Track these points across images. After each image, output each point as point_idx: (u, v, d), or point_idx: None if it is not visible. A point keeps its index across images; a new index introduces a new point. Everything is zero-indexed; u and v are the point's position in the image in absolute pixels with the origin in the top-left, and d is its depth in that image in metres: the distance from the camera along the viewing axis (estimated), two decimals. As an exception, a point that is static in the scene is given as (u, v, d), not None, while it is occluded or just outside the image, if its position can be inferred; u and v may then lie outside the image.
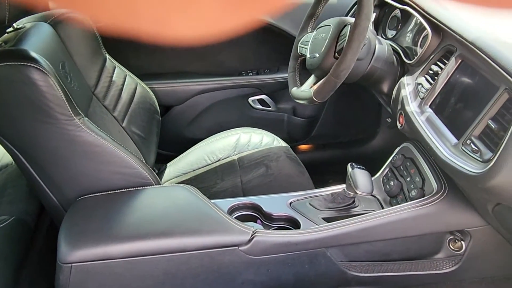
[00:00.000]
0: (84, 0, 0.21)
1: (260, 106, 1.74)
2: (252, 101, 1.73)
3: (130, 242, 0.90)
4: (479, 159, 0.82)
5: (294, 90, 1.28)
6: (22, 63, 0.86)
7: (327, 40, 1.17)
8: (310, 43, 1.26)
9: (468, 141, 0.86)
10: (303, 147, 1.85)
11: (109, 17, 0.20)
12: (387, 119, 1.54)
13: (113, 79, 1.37)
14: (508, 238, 0.92)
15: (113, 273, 0.90)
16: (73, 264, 0.88)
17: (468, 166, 0.83)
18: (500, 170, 0.74)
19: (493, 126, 0.82)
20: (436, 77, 1.03)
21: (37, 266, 1.14)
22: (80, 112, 0.94)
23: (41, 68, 0.87)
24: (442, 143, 0.93)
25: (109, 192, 1.00)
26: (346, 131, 1.84)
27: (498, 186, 0.75)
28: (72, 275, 0.88)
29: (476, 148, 0.84)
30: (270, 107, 1.75)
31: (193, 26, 0.21)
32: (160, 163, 1.50)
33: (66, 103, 0.90)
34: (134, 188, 1.01)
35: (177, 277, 0.94)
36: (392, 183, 1.09)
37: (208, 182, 1.33)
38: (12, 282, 1.08)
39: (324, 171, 1.72)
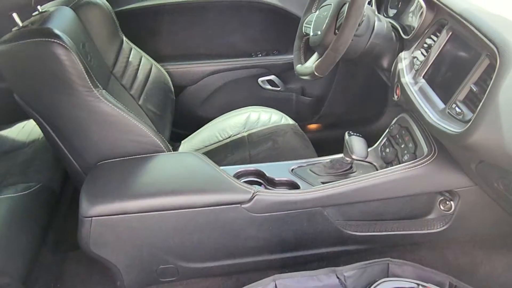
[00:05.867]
0: None
1: (269, 86, 1.80)
2: (262, 81, 1.79)
3: (144, 199, 0.99)
4: (461, 120, 0.88)
5: (298, 67, 1.34)
6: (47, 39, 0.95)
7: (327, 18, 1.23)
8: (313, 22, 1.33)
9: (454, 105, 0.92)
10: (311, 126, 1.91)
11: None
12: (393, 98, 1.58)
13: (130, 59, 1.46)
14: (494, 198, 0.97)
15: (128, 226, 1.00)
16: (93, 218, 0.98)
17: (451, 127, 0.89)
18: (478, 127, 0.79)
19: (475, 90, 0.88)
20: (429, 50, 1.09)
21: (61, 227, 1.25)
22: (98, 84, 1.03)
23: (64, 44, 0.96)
24: (431, 108, 0.99)
25: (125, 158, 1.10)
26: (353, 110, 1.88)
27: (477, 143, 0.81)
28: (93, 228, 0.98)
29: (460, 111, 0.90)
30: (279, 87, 1.81)
31: None
32: (174, 141, 1.57)
33: (86, 76, 0.99)
34: (147, 155, 1.10)
35: (185, 232, 1.03)
36: (388, 150, 1.16)
37: (219, 156, 1.40)
38: (40, 240, 1.19)
39: (331, 150, 1.76)
